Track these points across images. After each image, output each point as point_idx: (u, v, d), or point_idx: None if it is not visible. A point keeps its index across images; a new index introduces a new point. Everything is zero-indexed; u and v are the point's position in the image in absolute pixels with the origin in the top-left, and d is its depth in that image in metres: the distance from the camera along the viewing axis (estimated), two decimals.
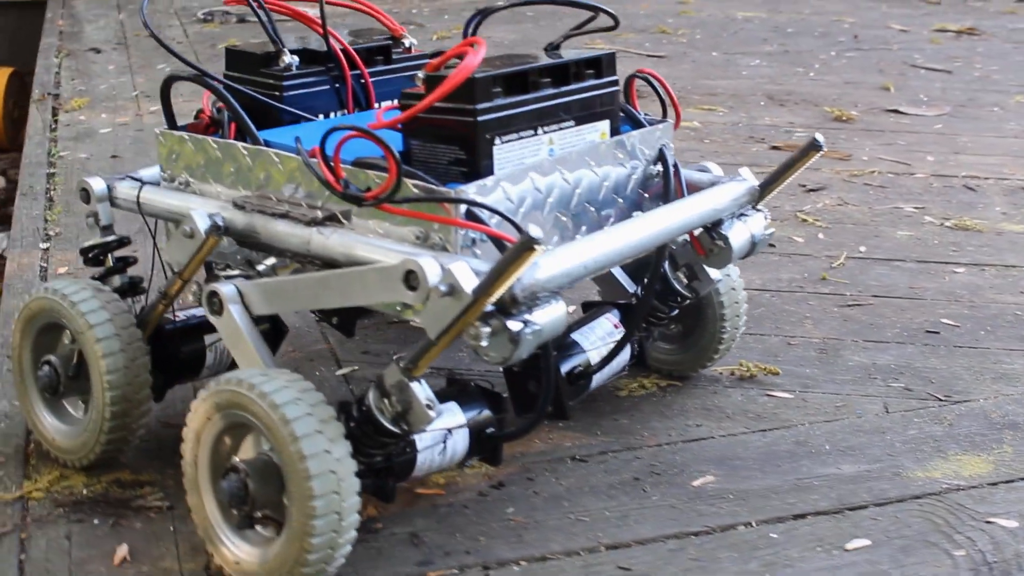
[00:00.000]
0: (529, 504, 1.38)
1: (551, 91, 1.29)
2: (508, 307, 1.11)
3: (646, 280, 1.45)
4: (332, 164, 1.19)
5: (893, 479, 1.45)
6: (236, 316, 1.28)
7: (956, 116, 3.25)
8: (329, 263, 1.26)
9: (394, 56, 1.53)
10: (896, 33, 4.49)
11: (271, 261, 1.34)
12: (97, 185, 1.45)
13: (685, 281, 1.53)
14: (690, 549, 1.30)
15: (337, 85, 1.47)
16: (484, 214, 1.18)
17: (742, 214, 1.44)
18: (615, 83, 1.38)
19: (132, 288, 1.46)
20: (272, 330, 1.53)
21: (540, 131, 1.29)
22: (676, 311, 1.57)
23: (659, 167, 1.43)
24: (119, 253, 1.48)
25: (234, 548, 1.21)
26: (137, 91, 3.39)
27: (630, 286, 1.59)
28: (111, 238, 1.46)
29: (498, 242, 1.19)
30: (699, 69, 3.80)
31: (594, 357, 1.49)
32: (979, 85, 3.65)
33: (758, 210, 1.46)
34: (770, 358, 1.76)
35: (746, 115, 3.20)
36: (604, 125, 1.37)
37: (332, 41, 1.47)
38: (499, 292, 1.08)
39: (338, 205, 1.25)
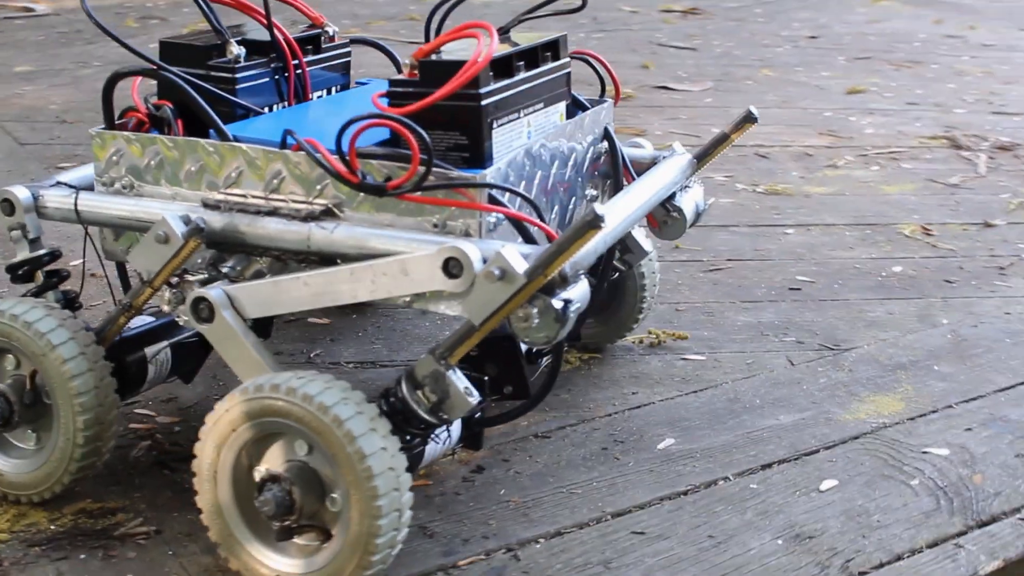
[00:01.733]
0: (517, 484, 1.40)
1: (527, 74, 1.31)
2: (553, 286, 1.12)
3: (603, 257, 1.49)
4: (348, 156, 1.16)
5: (828, 424, 1.56)
6: (231, 322, 1.22)
7: (719, 90, 3.48)
8: (327, 259, 1.22)
9: (323, 45, 1.49)
10: (628, 14, 4.72)
11: (232, 262, 1.29)
12: (21, 194, 1.33)
13: (618, 255, 1.58)
14: (687, 507, 1.36)
15: (277, 77, 1.41)
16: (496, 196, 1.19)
17: (685, 186, 1.51)
18: (568, 65, 1.41)
19: (68, 304, 1.35)
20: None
21: (521, 114, 1.30)
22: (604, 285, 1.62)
23: (605, 145, 1.48)
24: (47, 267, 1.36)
25: (271, 562, 1.16)
26: None
27: None
28: (41, 252, 1.34)
29: (519, 224, 1.20)
30: None
31: None
32: (726, 61, 3.91)
33: (695, 182, 1.53)
34: (667, 324, 1.85)
35: None
36: (562, 107, 1.40)
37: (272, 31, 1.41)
38: (554, 272, 1.10)
39: (332, 199, 1.22)
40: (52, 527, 1.28)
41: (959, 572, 1.27)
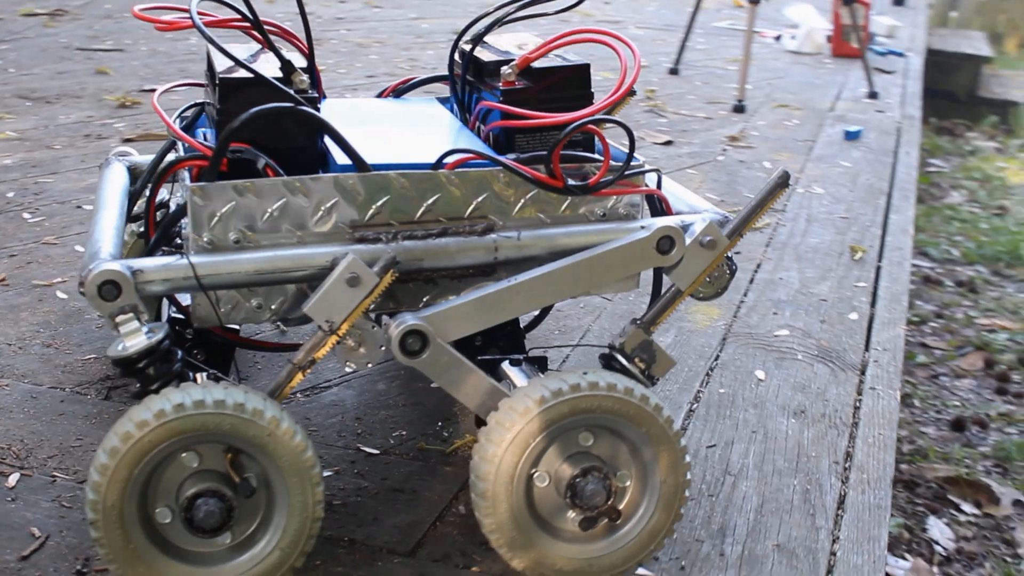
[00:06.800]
0: None
1: None
2: None
3: None
4: (553, 165, 1.23)
5: (695, 335, 1.90)
6: (449, 348, 1.22)
7: None
8: (488, 269, 1.26)
9: None
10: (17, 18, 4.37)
11: None
12: (124, 269, 1.15)
13: None
14: (699, 423, 1.62)
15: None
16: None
17: None
18: None
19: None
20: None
21: None
22: None
23: None
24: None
25: (572, 553, 1.21)
26: None
27: None
28: (161, 335, 1.17)
29: (653, 201, 1.36)
30: None
31: None
32: (164, 58, 3.87)
33: None
34: None
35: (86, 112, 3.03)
36: None
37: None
38: (748, 231, 1.30)
39: (491, 210, 1.26)
40: None
41: (892, 406, 1.70)
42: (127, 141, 2.82)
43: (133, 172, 1.53)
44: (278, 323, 1.24)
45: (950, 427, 2.64)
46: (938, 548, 2.12)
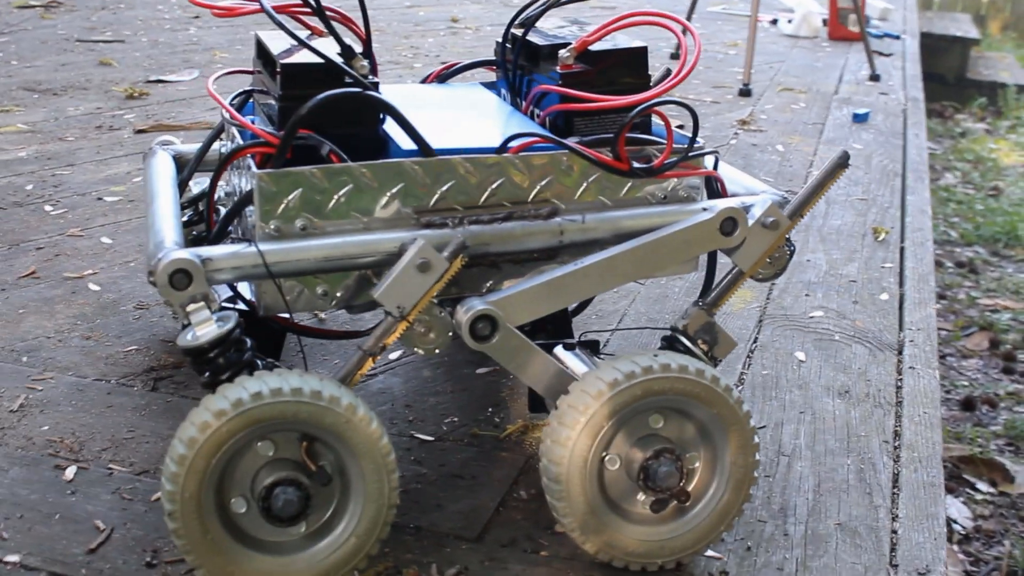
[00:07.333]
0: None
1: None
2: None
3: None
4: (618, 148, 1.23)
5: (732, 317, 1.90)
6: (517, 332, 1.22)
7: (205, 76, 3.46)
8: (552, 253, 1.26)
9: None
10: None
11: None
12: (194, 258, 1.14)
13: None
14: (751, 400, 1.62)
15: None
16: None
17: None
18: None
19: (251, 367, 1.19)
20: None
21: None
22: None
23: None
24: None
25: (640, 535, 1.21)
26: None
27: None
28: (231, 324, 1.16)
29: (710, 183, 1.36)
30: None
31: None
32: (167, 49, 3.84)
33: None
34: None
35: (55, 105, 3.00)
36: None
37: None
38: (808, 211, 1.30)
39: (554, 193, 1.26)
40: None
41: (932, 385, 1.71)
42: (139, 132, 2.80)
43: (178, 161, 1.52)
44: (317, 311, 1.24)
45: (960, 407, 2.66)
46: (956, 527, 2.14)
